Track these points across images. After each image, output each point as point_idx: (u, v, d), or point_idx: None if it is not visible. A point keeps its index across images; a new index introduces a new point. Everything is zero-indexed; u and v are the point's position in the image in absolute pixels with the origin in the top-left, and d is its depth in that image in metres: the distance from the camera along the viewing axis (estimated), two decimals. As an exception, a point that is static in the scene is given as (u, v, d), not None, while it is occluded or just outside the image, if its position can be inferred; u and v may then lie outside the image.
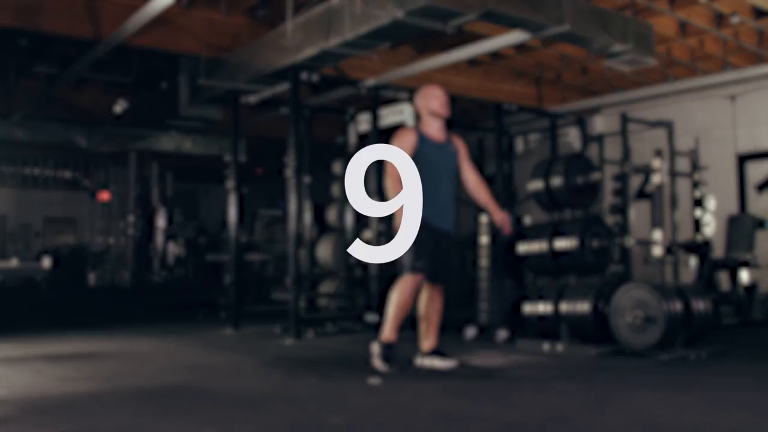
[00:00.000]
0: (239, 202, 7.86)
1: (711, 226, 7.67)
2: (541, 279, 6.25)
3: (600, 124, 10.65)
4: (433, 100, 4.58)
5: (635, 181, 6.95)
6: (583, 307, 5.28)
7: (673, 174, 6.91)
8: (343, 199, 7.86)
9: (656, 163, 6.02)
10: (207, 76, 7.79)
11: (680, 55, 8.84)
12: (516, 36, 6.50)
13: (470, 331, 6.28)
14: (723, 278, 7.90)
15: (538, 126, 9.20)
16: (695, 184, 7.58)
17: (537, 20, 5.81)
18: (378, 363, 4.36)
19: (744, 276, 7.68)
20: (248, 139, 11.04)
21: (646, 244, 6.20)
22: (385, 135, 7.48)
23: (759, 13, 7.67)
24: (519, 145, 9.03)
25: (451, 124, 4.73)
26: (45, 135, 10.37)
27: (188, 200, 16.65)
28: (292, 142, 6.77)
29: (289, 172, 6.80)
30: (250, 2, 7.51)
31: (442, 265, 4.51)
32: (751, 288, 7.58)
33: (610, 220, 6.54)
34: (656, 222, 5.99)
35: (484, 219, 6.32)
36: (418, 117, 4.75)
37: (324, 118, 9.57)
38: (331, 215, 8.28)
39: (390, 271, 7.67)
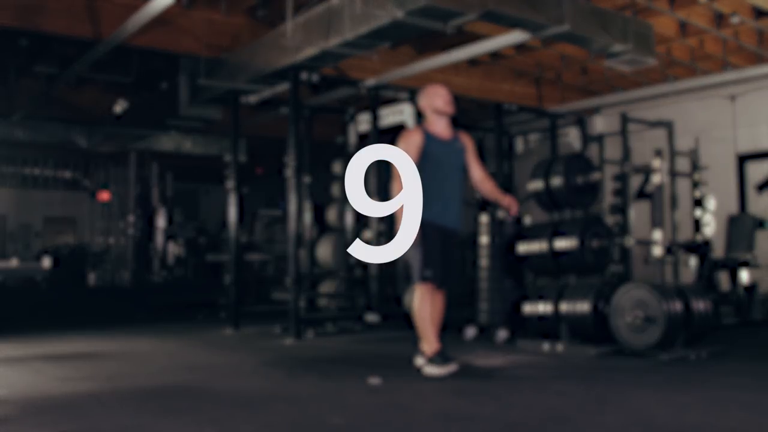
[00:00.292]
0: (239, 202, 7.86)
1: (711, 226, 7.67)
2: (541, 279, 6.25)
3: (600, 124, 10.65)
4: (437, 99, 4.57)
5: (635, 181, 6.95)
6: (583, 307, 5.28)
7: (673, 174, 6.91)
8: (343, 199, 7.87)
9: (656, 163, 6.02)
10: (207, 76, 7.79)
11: (680, 55, 8.84)
12: (516, 36, 6.50)
13: (470, 331, 6.28)
14: (723, 278, 7.90)
15: (538, 126, 9.20)
16: (695, 184, 7.58)
17: (537, 20, 5.81)
18: (439, 370, 4.25)
19: (744, 276, 7.68)
20: (248, 139, 11.05)
21: (646, 244, 6.20)
22: (385, 135, 7.51)
23: (759, 13, 7.67)
24: (519, 145, 9.03)
25: (456, 123, 4.71)
26: (45, 135, 10.36)
27: (188, 200, 16.64)
28: (292, 142, 6.77)
29: (289, 172, 6.80)
30: (250, 2, 7.51)
31: (449, 266, 4.50)
32: (751, 288, 7.58)
33: (610, 220, 6.54)
34: (656, 222, 5.99)
35: (484, 219, 6.32)
36: (420, 116, 4.74)
37: (324, 118, 9.58)
38: (331, 215, 8.28)
39: (390, 271, 7.71)
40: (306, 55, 6.43)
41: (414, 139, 4.46)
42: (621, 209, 6.50)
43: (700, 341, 5.18)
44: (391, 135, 7.11)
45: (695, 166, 7.60)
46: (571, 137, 8.65)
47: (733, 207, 9.37)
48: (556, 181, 5.91)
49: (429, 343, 4.34)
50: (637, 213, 6.78)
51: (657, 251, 6.01)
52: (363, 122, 8.00)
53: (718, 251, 7.98)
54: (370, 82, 7.90)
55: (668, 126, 6.97)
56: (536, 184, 6.06)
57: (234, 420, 3.18)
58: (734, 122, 9.71)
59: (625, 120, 6.39)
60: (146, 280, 12.77)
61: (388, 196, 4.48)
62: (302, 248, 7.72)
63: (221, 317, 8.24)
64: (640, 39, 6.54)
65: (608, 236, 5.78)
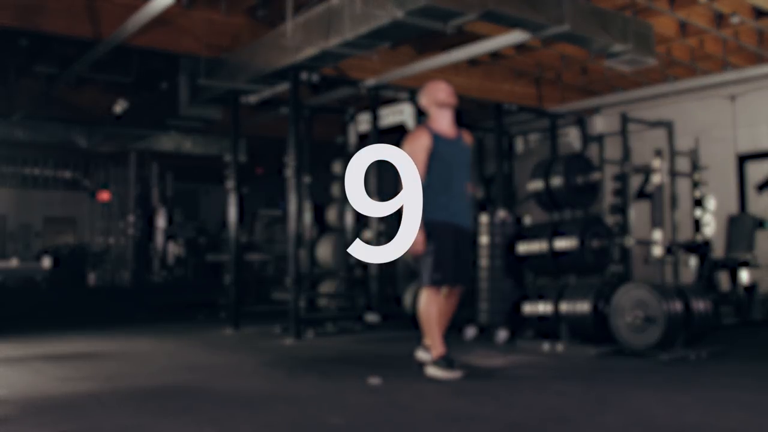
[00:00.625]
0: (239, 202, 7.86)
1: (711, 226, 7.67)
2: (541, 279, 6.25)
3: (600, 124, 10.65)
4: (438, 93, 4.53)
5: (635, 181, 6.95)
6: (583, 307, 5.28)
7: (673, 174, 6.92)
8: (343, 199, 7.87)
9: (656, 163, 6.02)
10: (207, 76, 7.79)
11: (680, 55, 8.84)
12: (516, 36, 6.50)
13: (470, 331, 6.28)
14: (723, 278, 7.90)
15: (538, 126, 9.20)
16: (695, 184, 7.58)
17: (537, 20, 5.81)
18: (442, 374, 4.23)
19: (744, 276, 7.68)
20: (248, 139, 11.05)
21: (646, 244, 6.21)
22: (385, 135, 7.51)
23: (759, 13, 7.67)
24: (519, 145, 9.03)
25: (459, 121, 4.69)
26: (45, 135, 10.36)
27: (188, 200, 16.65)
28: (292, 142, 6.77)
29: (289, 172, 6.80)
30: (250, 2, 7.51)
31: (463, 265, 4.48)
32: (751, 288, 7.58)
33: (610, 220, 6.55)
34: (656, 222, 6.00)
35: (484, 219, 6.32)
36: (421, 116, 4.71)
37: (324, 118, 9.58)
38: (331, 215, 8.28)
39: (390, 271, 7.71)
40: (306, 55, 6.43)
41: (422, 141, 4.39)
42: (621, 209, 6.50)
43: (700, 341, 5.17)
44: (391, 135, 7.13)
45: (695, 166, 7.60)
46: (571, 137, 8.65)
47: (733, 207, 9.37)
48: (556, 181, 5.91)
49: (435, 347, 4.32)
50: (637, 213, 6.78)
51: (657, 251, 6.02)
52: (363, 122, 8.00)
53: (718, 251, 7.98)
54: (370, 82, 7.90)
55: (668, 126, 6.97)
56: (536, 184, 6.06)
57: (234, 420, 3.18)
58: (734, 122, 9.71)
59: (625, 120, 6.40)
60: (146, 280, 12.77)
61: (388, 196, 4.46)
62: (302, 248, 7.72)
63: (221, 317, 8.25)
64: (640, 39, 6.54)
65: (608, 236, 5.78)
